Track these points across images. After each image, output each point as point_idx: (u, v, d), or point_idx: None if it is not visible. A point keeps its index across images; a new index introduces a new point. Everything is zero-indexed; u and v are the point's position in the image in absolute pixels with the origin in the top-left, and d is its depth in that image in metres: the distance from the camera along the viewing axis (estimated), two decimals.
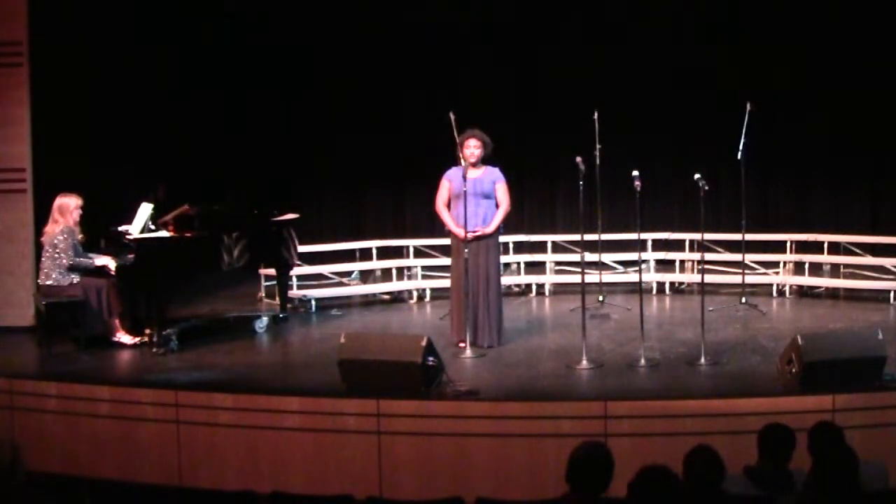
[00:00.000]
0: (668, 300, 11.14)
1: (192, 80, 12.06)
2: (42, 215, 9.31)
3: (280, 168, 12.88)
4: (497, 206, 8.76)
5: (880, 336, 7.23)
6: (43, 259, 8.89)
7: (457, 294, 8.79)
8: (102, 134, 10.73)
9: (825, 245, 11.76)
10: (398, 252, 12.31)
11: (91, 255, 8.98)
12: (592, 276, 10.62)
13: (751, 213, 11.07)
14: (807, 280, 11.18)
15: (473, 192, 8.65)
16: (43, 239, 8.91)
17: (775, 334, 8.93)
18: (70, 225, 8.84)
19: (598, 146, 10.40)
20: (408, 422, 6.95)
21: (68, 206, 8.85)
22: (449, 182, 8.83)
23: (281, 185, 12.67)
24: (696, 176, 8.54)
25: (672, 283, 11.42)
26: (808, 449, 5.03)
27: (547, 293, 11.47)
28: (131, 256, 8.76)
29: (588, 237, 10.13)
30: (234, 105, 12.55)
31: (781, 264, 11.71)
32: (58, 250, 8.76)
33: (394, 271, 11.97)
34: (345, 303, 11.15)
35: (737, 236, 10.98)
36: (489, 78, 12.59)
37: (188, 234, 8.99)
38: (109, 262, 8.84)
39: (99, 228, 9.32)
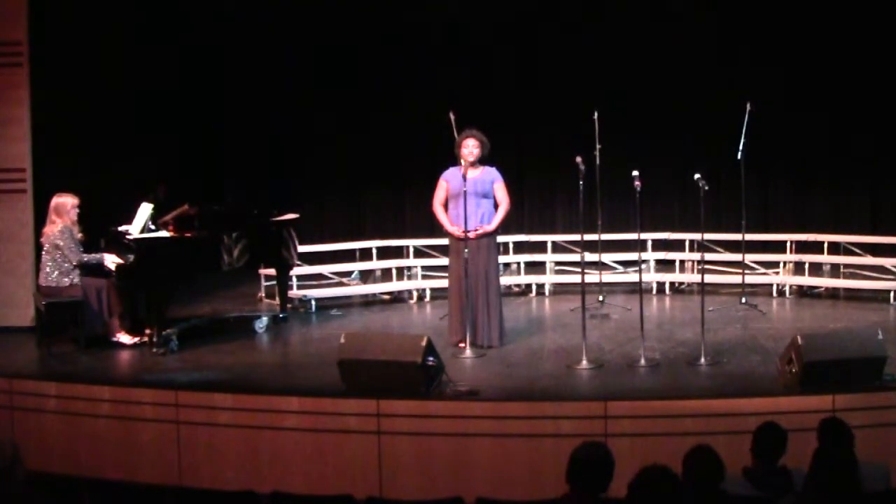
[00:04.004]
0: (668, 300, 11.14)
1: (193, 80, 12.06)
2: (42, 215, 9.31)
3: (280, 168, 12.88)
4: (496, 205, 8.76)
5: (880, 336, 7.22)
6: (43, 260, 8.88)
7: (455, 294, 8.79)
8: (102, 134, 10.72)
9: (825, 245, 11.76)
10: (398, 252, 12.31)
11: (98, 253, 9.00)
12: (592, 276, 10.61)
13: (751, 213, 11.06)
14: (807, 280, 11.18)
15: (473, 191, 8.65)
16: (42, 240, 8.91)
17: (775, 334, 8.93)
18: (68, 224, 8.83)
19: (598, 146, 10.40)
20: (408, 422, 6.95)
21: (65, 206, 8.85)
22: (447, 182, 8.83)
23: (280, 184, 12.68)
24: (696, 176, 8.54)
25: (672, 283, 11.42)
26: (817, 438, 5.05)
27: (547, 293, 11.47)
28: (131, 256, 8.76)
29: (588, 237, 10.12)
30: (235, 105, 12.55)
31: (781, 264, 11.72)
32: (61, 250, 8.76)
33: (394, 271, 11.97)
34: (345, 303, 11.15)
35: (737, 236, 10.97)
36: (489, 78, 12.59)
37: (188, 234, 8.99)
38: (114, 259, 8.82)
39: (99, 228, 9.31)
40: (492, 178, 8.78)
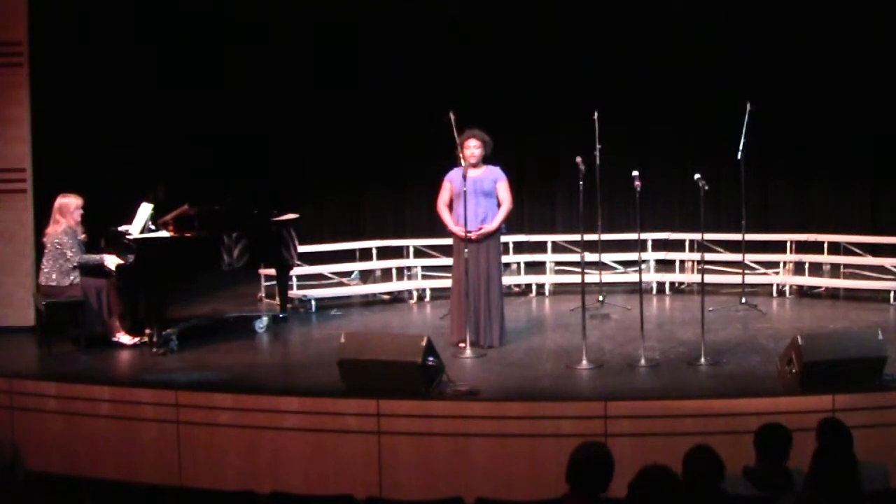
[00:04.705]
0: (668, 300, 11.14)
1: (192, 80, 12.06)
2: (42, 215, 9.31)
3: (280, 168, 12.88)
4: (499, 204, 8.76)
5: (880, 336, 7.22)
6: (44, 259, 8.88)
7: (457, 294, 8.79)
8: (103, 134, 10.72)
9: (825, 245, 11.76)
10: (398, 252, 12.32)
11: (98, 253, 9.00)
12: (592, 276, 10.62)
13: (751, 213, 11.06)
14: (807, 280, 11.18)
15: (474, 191, 8.65)
16: (45, 240, 8.90)
17: (775, 334, 8.93)
18: (72, 225, 8.84)
19: (598, 146, 10.40)
20: (408, 422, 6.95)
21: (69, 207, 8.85)
22: (450, 183, 8.83)
23: (280, 184, 12.67)
24: (696, 176, 8.54)
25: (672, 283, 11.42)
26: (816, 437, 5.05)
27: (547, 293, 11.48)
28: (131, 256, 8.76)
29: (588, 237, 10.12)
30: (234, 105, 12.53)
31: (781, 264, 11.72)
32: (64, 251, 8.76)
33: (394, 271, 11.97)
34: (345, 303, 11.15)
35: (737, 236, 10.97)
36: (489, 78, 12.59)
37: (188, 234, 8.99)
38: (115, 260, 8.83)
39: (99, 228, 9.31)
40: (494, 177, 8.77)
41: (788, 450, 5.10)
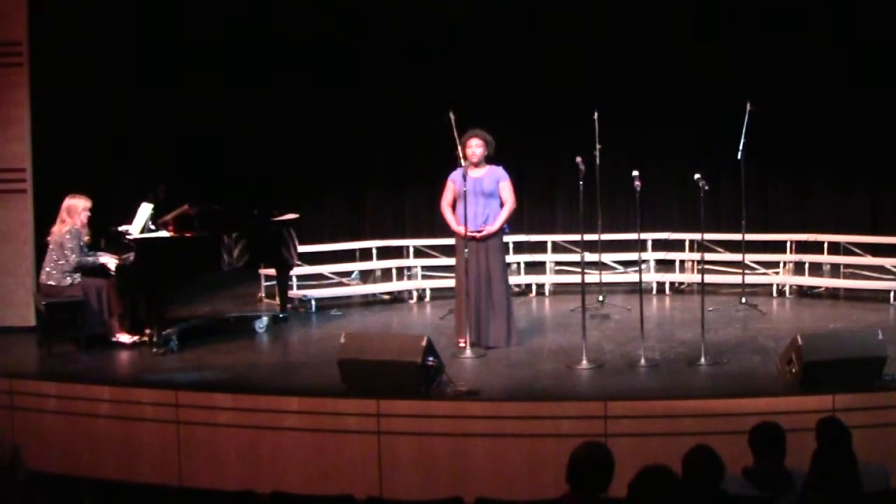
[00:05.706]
0: (668, 300, 11.14)
1: (192, 81, 12.07)
2: (42, 215, 9.31)
3: (280, 168, 12.88)
4: (502, 205, 8.75)
5: (880, 336, 7.23)
6: (46, 258, 8.89)
7: (459, 294, 8.78)
8: (103, 134, 10.72)
9: (825, 245, 11.76)
10: (398, 252, 12.32)
11: (97, 253, 9.00)
12: (592, 276, 10.62)
13: (751, 213, 11.06)
14: (807, 280, 11.18)
15: (474, 191, 8.65)
16: (49, 238, 8.91)
17: (775, 334, 8.93)
18: (77, 226, 8.84)
19: (598, 146, 10.40)
20: (408, 422, 6.96)
21: (76, 208, 8.86)
22: (453, 183, 8.83)
23: (280, 184, 12.67)
24: (696, 176, 8.53)
25: (672, 283, 11.42)
26: (815, 437, 5.05)
27: (547, 293, 11.48)
28: (131, 256, 8.76)
29: (588, 237, 10.12)
30: (235, 105, 12.54)
31: (781, 264, 11.72)
32: (64, 250, 8.76)
33: (394, 271, 11.98)
34: (345, 303, 11.15)
35: (737, 236, 10.98)
36: (489, 78, 12.59)
37: (188, 234, 8.99)
38: (112, 261, 8.84)
39: (99, 228, 9.32)
40: (497, 178, 8.76)
41: (783, 448, 5.10)
